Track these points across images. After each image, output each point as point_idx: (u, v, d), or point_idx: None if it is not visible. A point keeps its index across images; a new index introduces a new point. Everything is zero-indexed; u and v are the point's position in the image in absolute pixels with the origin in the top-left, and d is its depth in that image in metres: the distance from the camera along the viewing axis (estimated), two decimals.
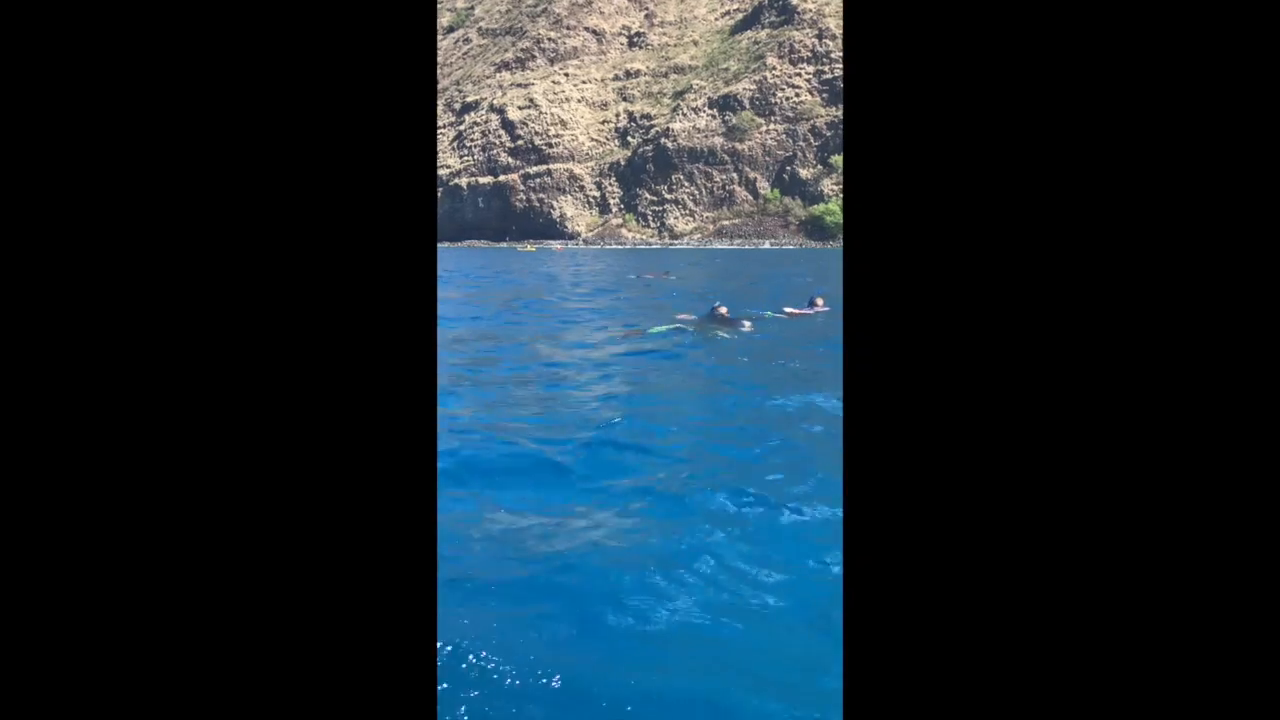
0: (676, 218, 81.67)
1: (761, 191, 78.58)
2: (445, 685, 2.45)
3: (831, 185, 72.62)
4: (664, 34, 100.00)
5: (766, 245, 69.58)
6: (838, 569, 3.27)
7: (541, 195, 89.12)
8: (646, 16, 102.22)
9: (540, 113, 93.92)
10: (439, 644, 2.65)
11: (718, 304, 11.50)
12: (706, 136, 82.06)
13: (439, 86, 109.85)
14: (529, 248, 71.23)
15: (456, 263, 38.22)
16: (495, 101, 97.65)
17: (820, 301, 12.89)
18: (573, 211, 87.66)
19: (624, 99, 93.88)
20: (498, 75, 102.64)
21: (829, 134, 74.15)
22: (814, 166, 75.20)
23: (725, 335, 10.24)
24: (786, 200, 76.75)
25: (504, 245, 78.96)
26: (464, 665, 2.57)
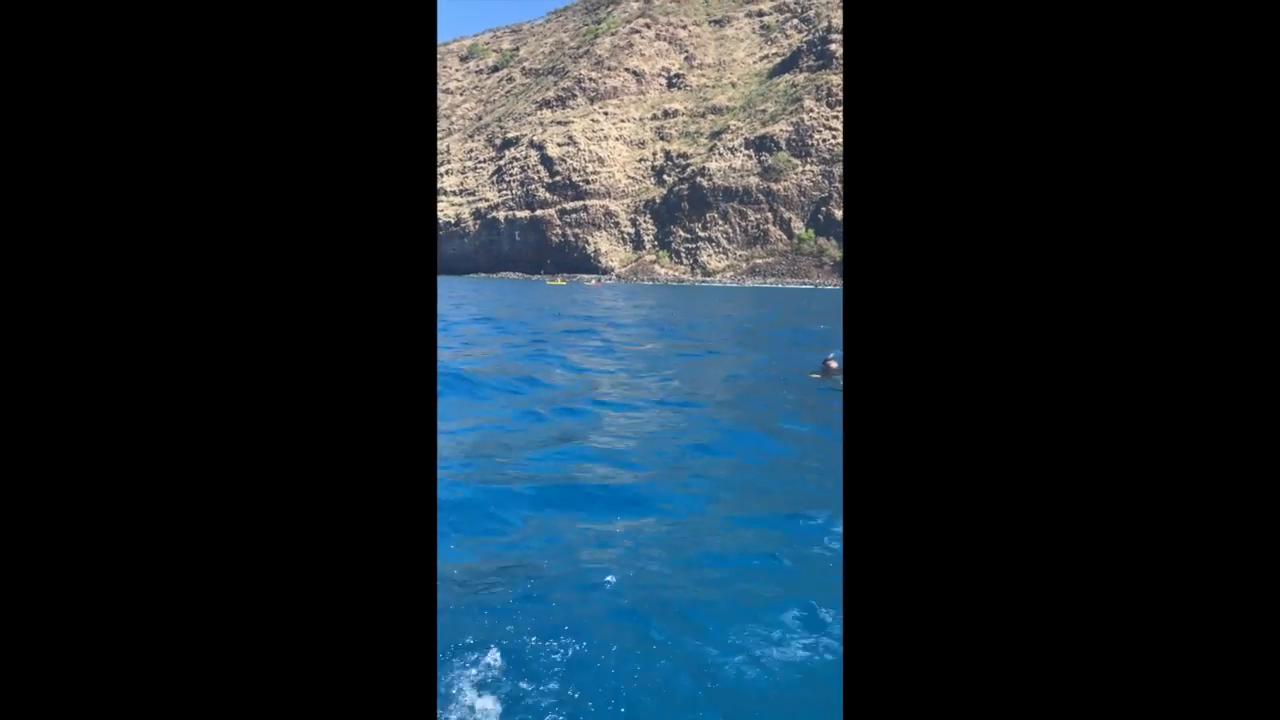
0: (709, 255, 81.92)
1: (796, 231, 78.59)
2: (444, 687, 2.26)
3: None
4: (703, 75, 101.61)
5: (795, 285, 69.22)
6: None
7: (577, 230, 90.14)
8: (686, 58, 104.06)
9: (579, 150, 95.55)
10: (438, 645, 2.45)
11: (830, 357, 9.65)
12: (742, 176, 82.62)
13: (481, 123, 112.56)
14: (559, 282, 71.30)
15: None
16: (535, 138, 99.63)
17: None
18: (607, 247, 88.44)
19: (661, 138, 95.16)
20: (538, 113, 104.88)
21: None
22: None
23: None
24: (821, 241, 76.62)
25: (536, 278, 79.63)
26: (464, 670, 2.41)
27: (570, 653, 2.59)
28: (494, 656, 2.49)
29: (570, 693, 2.36)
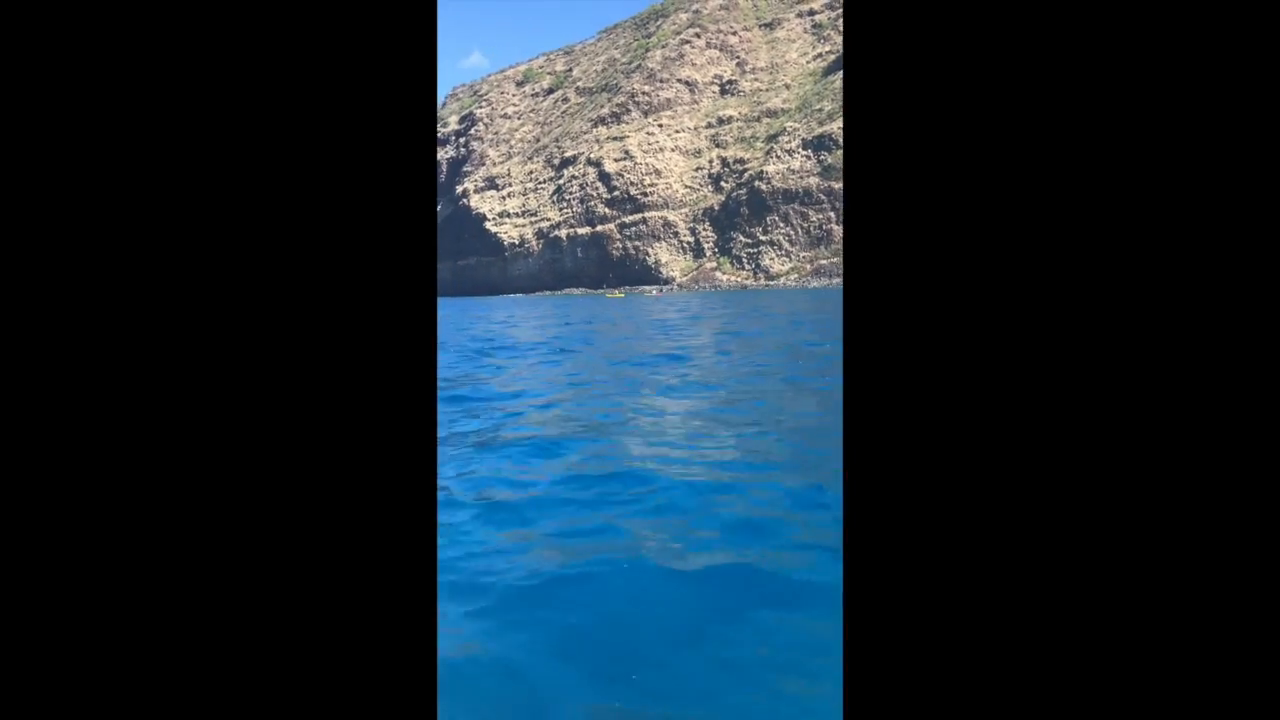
0: (772, 259, 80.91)
1: None
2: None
3: None
4: (756, 80, 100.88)
5: None
6: None
7: (637, 243, 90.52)
8: (738, 64, 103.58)
9: (635, 163, 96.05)
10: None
11: None
12: (801, 177, 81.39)
13: (539, 144, 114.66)
14: (617, 294, 72.43)
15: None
16: (592, 155, 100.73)
17: None
18: (667, 257, 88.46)
19: (717, 145, 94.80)
20: (594, 130, 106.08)
21: None
22: None
23: None
24: None
25: (599, 292, 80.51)
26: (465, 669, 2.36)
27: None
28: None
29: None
